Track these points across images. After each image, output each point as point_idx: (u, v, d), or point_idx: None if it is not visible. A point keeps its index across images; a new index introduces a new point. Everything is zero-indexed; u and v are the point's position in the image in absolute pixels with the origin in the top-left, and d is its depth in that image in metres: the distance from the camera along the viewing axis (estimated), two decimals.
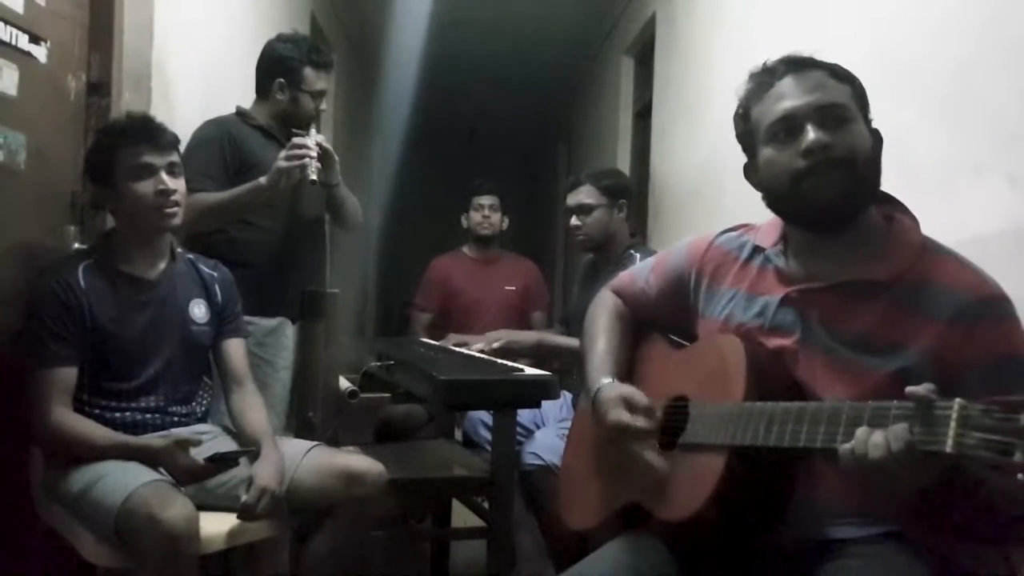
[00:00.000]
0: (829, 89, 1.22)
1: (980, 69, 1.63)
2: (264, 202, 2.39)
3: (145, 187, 1.85)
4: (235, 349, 2.07)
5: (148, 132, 1.88)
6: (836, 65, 1.26)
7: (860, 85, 1.26)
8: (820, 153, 1.19)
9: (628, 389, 1.35)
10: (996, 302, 1.15)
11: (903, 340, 1.16)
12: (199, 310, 2.00)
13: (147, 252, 1.94)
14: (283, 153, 2.33)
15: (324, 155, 2.43)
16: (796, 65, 1.26)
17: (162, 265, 1.96)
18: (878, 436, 0.97)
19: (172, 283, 1.97)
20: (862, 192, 1.22)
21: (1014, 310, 1.15)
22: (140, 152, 1.85)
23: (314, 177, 2.36)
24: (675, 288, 1.48)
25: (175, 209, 1.89)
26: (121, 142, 1.87)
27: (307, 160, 2.34)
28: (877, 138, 1.24)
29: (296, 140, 2.37)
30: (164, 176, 1.86)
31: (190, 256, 2.06)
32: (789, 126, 1.23)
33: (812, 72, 1.24)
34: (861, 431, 0.99)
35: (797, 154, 1.21)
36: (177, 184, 1.89)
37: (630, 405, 1.31)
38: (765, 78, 1.28)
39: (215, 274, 2.07)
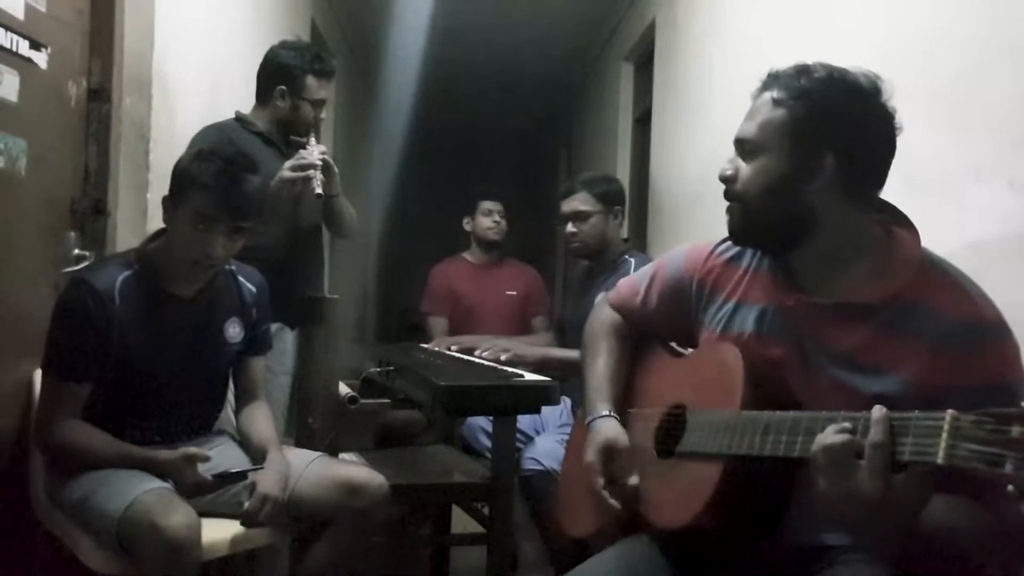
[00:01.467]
0: (755, 119, 1.24)
1: (982, 73, 1.63)
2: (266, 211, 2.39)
3: (196, 239, 1.75)
4: (256, 365, 2.05)
5: (229, 189, 1.74)
6: (795, 85, 1.20)
7: (816, 110, 1.18)
8: (725, 184, 1.27)
9: (613, 437, 1.39)
10: (988, 327, 1.12)
11: (892, 363, 1.14)
12: (234, 330, 1.95)
13: (186, 276, 1.85)
14: (288, 164, 2.34)
15: (326, 167, 2.43)
16: (764, 85, 1.26)
17: (201, 283, 1.89)
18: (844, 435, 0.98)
19: (209, 302, 1.91)
20: (760, 226, 1.25)
21: (1008, 334, 1.12)
22: (211, 204, 1.73)
23: (320, 191, 2.37)
24: (675, 297, 1.47)
25: (209, 272, 1.83)
26: (202, 181, 1.74)
27: (312, 173, 2.34)
28: (811, 168, 1.18)
29: (301, 153, 2.37)
30: (221, 240, 1.75)
31: (232, 267, 1.98)
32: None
33: (764, 95, 1.24)
34: (829, 430, 1.00)
35: None
36: (231, 245, 1.79)
37: (608, 456, 1.37)
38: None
39: (254, 289, 2.00)
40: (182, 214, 1.76)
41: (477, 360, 2.57)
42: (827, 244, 1.22)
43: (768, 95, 1.23)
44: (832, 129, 1.19)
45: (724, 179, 1.27)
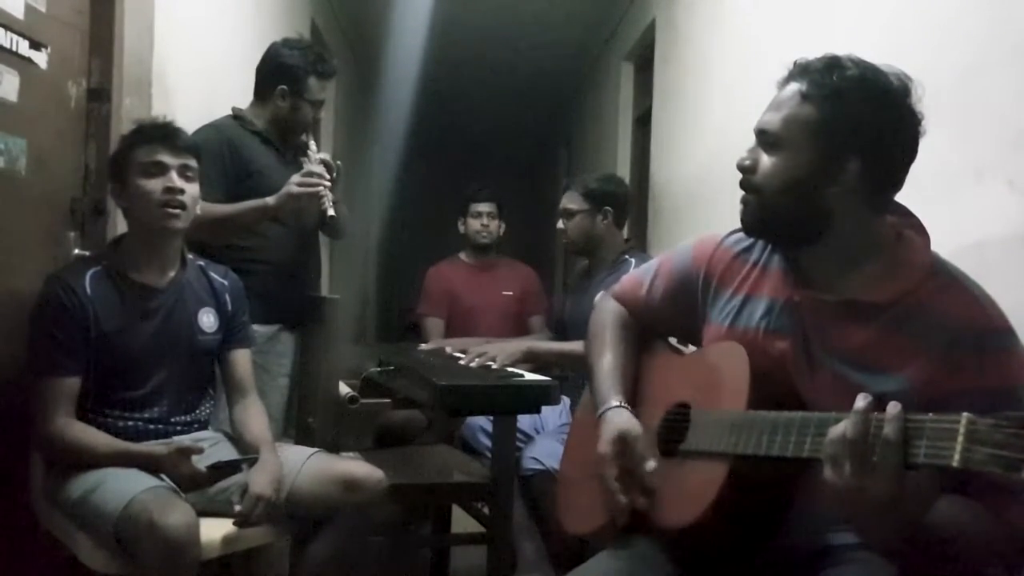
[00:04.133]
0: (781, 111, 1.20)
1: (982, 74, 1.63)
2: (267, 220, 2.39)
3: (153, 184, 1.85)
4: (241, 359, 2.06)
5: (164, 133, 1.90)
6: (825, 82, 1.17)
7: (844, 112, 1.16)
8: (741, 174, 1.24)
9: (626, 426, 1.34)
10: (994, 334, 1.10)
11: (895, 364, 1.13)
12: (208, 319, 1.99)
13: (156, 259, 1.92)
14: (295, 178, 2.32)
15: (331, 175, 2.41)
16: (791, 75, 1.23)
17: (172, 273, 1.94)
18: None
19: (181, 291, 1.95)
20: (774, 222, 1.23)
21: (1015, 341, 1.11)
22: (154, 151, 1.86)
23: (332, 212, 2.35)
24: (681, 291, 1.46)
25: (178, 211, 1.87)
26: (138, 140, 1.89)
27: (321, 190, 2.32)
28: (834, 170, 1.17)
29: (310, 168, 2.35)
30: (174, 176, 1.86)
31: (201, 263, 2.04)
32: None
33: (793, 86, 1.21)
34: (842, 424, 0.98)
35: None
36: (188, 187, 1.89)
37: (624, 443, 1.31)
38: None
39: (225, 282, 2.05)
40: (133, 176, 1.87)
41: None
42: (839, 244, 1.21)
43: (796, 87, 1.20)
44: (860, 135, 1.16)
45: (742, 168, 1.24)
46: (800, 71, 1.21)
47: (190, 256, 2.01)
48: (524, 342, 2.74)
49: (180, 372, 1.94)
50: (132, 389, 1.87)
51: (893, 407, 0.94)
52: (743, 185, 1.25)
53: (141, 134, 1.90)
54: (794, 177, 1.19)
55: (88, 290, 1.82)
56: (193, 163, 1.92)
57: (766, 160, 1.21)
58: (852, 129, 1.16)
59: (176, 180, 1.86)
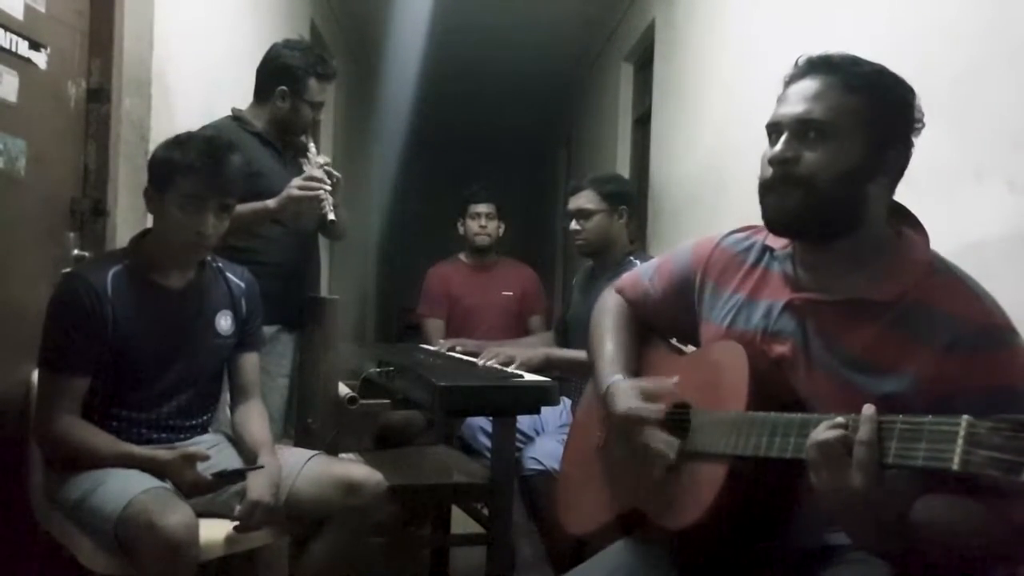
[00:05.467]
0: (822, 101, 1.18)
1: (981, 75, 1.63)
2: (267, 222, 2.39)
3: (187, 220, 1.79)
4: (249, 362, 2.05)
5: (214, 168, 1.81)
6: (863, 73, 1.19)
7: (886, 101, 1.18)
8: (780, 167, 1.19)
9: (640, 381, 1.36)
10: (996, 332, 1.10)
11: (898, 364, 1.13)
12: (225, 322, 1.97)
13: (177, 266, 1.90)
14: (296, 182, 2.32)
15: (333, 184, 2.40)
16: (814, 68, 1.21)
17: (191, 275, 1.92)
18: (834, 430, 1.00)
19: (200, 294, 1.93)
20: (821, 215, 1.18)
21: (1017, 339, 1.11)
22: (197, 185, 1.79)
23: (332, 217, 2.35)
24: (679, 291, 1.46)
25: (203, 253, 1.87)
26: (184, 168, 1.79)
27: (321, 194, 2.32)
28: (879, 160, 1.18)
29: (311, 172, 2.35)
30: (211, 217, 1.81)
31: (219, 264, 2.02)
32: (774, 132, 1.22)
33: (825, 78, 1.19)
34: (822, 426, 1.01)
35: (768, 162, 1.21)
36: (220, 224, 1.84)
37: (644, 395, 1.32)
38: (789, 76, 1.25)
39: (243, 285, 2.03)
40: (170, 200, 1.80)
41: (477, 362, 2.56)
42: (857, 241, 1.20)
43: (827, 79, 1.18)
44: (902, 124, 1.19)
45: (784, 161, 1.18)
46: (822, 63, 1.21)
47: (208, 257, 1.98)
48: (542, 350, 2.73)
49: (192, 375, 1.93)
50: (143, 390, 1.86)
51: (867, 408, 0.97)
52: (783, 178, 1.19)
53: (189, 165, 1.79)
54: (848, 167, 1.17)
55: (109, 291, 1.80)
56: (232, 200, 1.87)
57: (811, 151, 1.18)
58: (898, 118, 1.18)
59: (209, 224, 1.81)
